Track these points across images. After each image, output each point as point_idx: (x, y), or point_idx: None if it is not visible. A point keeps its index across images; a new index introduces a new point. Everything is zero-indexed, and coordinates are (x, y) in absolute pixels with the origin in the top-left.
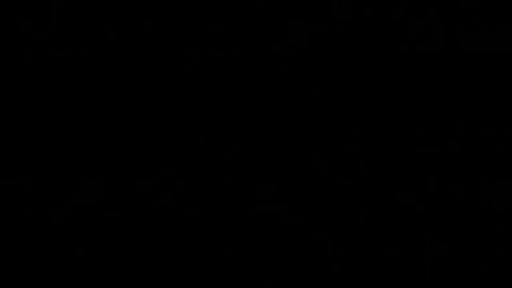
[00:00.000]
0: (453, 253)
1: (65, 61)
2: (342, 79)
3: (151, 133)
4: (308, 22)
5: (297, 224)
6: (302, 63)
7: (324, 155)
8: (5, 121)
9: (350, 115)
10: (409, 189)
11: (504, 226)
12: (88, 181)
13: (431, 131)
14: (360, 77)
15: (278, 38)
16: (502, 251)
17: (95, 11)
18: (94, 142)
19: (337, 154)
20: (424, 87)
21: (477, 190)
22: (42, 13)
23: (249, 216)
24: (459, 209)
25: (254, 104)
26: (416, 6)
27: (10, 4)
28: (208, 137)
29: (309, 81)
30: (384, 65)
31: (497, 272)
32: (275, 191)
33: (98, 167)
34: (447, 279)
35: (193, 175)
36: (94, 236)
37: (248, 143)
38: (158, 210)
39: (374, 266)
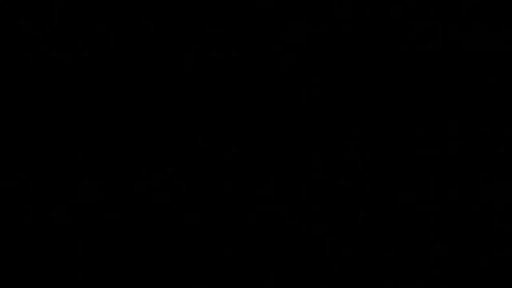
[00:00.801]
0: (453, 253)
1: (65, 61)
2: (342, 79)
3: (151, 133)
4: (308, 22)
5: (297, 224)
6: (302, 63)
7: (324, 155)
8: (5, 121)
9: (350, 115)
10: (409, 189)
11: (504, 226)
12: (88, 181)
13: (431, 131)
14: (360, 77)
15: (278, 38)
16: (502, 251)
17: (95, 11)
18: (94, 142)
19: (337, 154)
20: (424, 87)
21: (477, 190)
22: (42, 13)
23: (249, 216)
24: (459, 209)
25: (254, 104)
26: (416, 6)
27: (10, 4)
28: (208, 137)
29: (309, 81)
30: (384, 65)
31: (497, 272)
32: (275, 191)
33: (98, 167)
34: (447, 279)
35: (193, 175)
36: (94, 236)
37: (248, 143)
38: (158, 210)
39: (374, 266)
